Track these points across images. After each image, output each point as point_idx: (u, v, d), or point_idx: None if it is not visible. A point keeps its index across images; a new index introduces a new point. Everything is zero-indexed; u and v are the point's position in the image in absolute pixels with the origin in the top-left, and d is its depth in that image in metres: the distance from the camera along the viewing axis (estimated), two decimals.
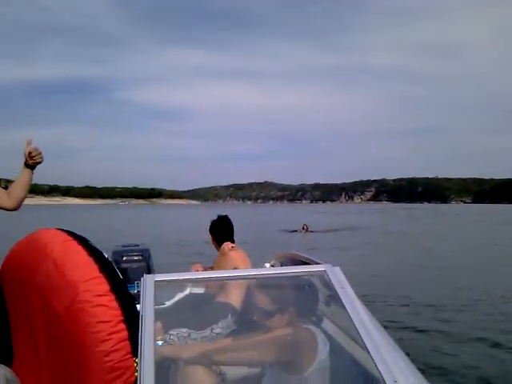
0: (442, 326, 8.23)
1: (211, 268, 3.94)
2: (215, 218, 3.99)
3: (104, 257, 2.46)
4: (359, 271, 13.27)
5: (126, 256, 3.82)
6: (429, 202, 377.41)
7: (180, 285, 3.11)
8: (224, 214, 4.05)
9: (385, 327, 1.84)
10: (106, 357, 2.16)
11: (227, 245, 3.79)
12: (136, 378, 2.23)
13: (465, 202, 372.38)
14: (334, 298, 1.80)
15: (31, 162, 2.94)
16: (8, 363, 2.56)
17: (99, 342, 2.16)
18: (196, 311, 3.18)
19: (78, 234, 2.57)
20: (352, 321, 1.53)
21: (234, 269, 3.49)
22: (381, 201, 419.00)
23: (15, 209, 3.01)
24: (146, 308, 1.63)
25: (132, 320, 2.25)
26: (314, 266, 2.09)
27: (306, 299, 2.12)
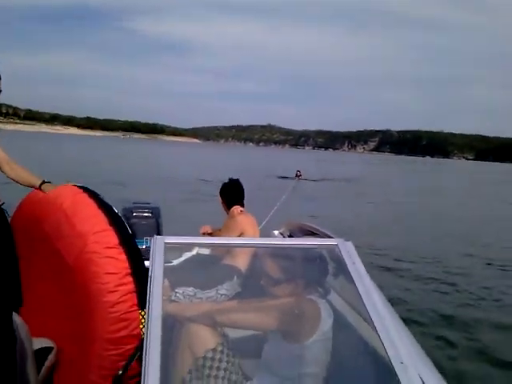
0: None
1: (219, 230, 3.96)
2: (226, 181, 3.96)
3: (114, 211, 2.48)
4: (340, 220, 13.62)
5: (136, 212, 3.86)
6: (432, 156, 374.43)
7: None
8: (235, 177, 4.02)
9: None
10: (111, 308, 2.22)
11: (236, 208, 3.80)
12: (141, 330, 2.28)
13: (467, 159, 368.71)
14: (343, 272, 1.79)
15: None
16: (16, 309, 2.61)
17: (106, 293, 2.21)
18: (202, 271, 3.22)
19: (89, 188, 2.58)
20: (361, 297, 1.53)
21: (242, 233, 3.54)
22: (383, 152, 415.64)
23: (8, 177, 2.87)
24: (156, 269, 1.63)
25: (139, 274, 2.30)
26: (326, 239, 2.08)
27: (314, 271, 2.10)
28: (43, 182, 2.68)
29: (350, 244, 1.78)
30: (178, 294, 2.71)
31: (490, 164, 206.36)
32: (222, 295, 3.09)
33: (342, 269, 1.82)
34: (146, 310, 2.25)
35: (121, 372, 2.15)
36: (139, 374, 2.20)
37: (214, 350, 2.12)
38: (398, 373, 1.28)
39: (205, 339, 2.14)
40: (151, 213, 3.91)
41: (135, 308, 2.27)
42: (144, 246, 3.50)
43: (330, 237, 2.18)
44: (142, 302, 2.26)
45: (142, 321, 2.28)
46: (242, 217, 3.70)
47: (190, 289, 2.94)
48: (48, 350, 2.36)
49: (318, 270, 2.09)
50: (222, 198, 3.94)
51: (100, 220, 2.34)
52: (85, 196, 2.46)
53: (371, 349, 1.68)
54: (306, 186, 26.32)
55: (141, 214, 3.86)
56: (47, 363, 2.32)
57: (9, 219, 2.81)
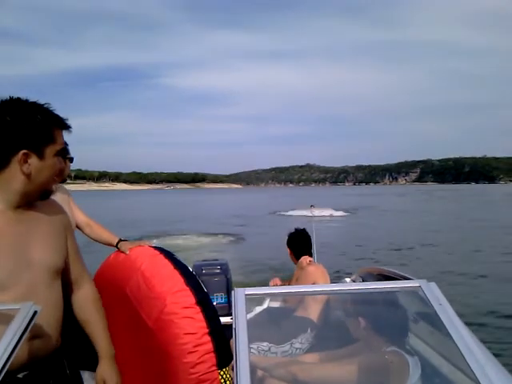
0: None
1: (289, 282, 3.93)
2: (293, 231, 3.97)
3: (189, 270, 2.52)
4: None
5: (206, 269, 3.93)
6: (476, 182, 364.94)
7: (259, 299, 3.15)
8: (302, 227, 4.03)
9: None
10: (192, 368, 2.20)
11: (305, 259, 3.77)
12: None
13: None
14: (429, 316, 1.69)
15: None
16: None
17: (186, 354, 2.21)
18: (275, 325, 3.19)
19: (164, 248, 2.65)
20: (454, 341, 1.41)
21: (313, 283, 3.46)
22: (426, 182, 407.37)
23: (88, 237, 2.97)
24: (239, 320, 1.62)
25: (217, 332, 2.30)
26: (407, 281, 1.99)
27: (396, 317, 2.02)
28: (120, 241, 2.75)
29: (433, 285, 1.70)
30: (252, 350, 2.65)
31: None
32: (296, 349, 3.02)
33: (427, 312, 1.72)
34: (225, 370, 2.26)
35: None
36: None
37: None
38: None
39: None
40: (220, 269, 3.95)
41: (214, 368, 2.25)
42: (215, 303, 3.51)
43: (409, 279, 2.10)
44: (221, 361, 2.26)
45: (222, 381, 2.27)
46: (312, 267, 3.66)
47: (265, 344, 2.90)
48: None
49: (400, 316, 2.01)
50: (289, 249, 3.92)
51: (177, 280, 2.37)
52: (161, 257, 2.51)
53: None
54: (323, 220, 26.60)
55: (211, 271, 3.91)
56: None
57: None
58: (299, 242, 3.88)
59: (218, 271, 3.92)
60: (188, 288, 2.33)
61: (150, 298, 2.34)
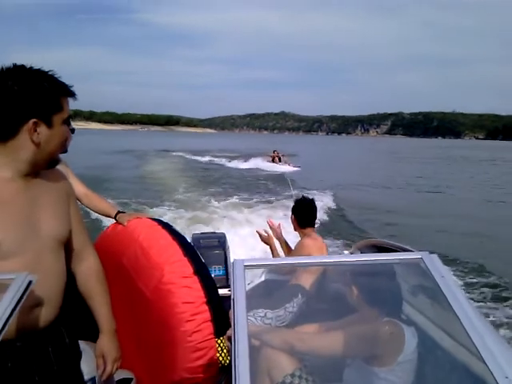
0: None
1: (287, 249, 3.88)
2: (300, 197, 3.85)
3: (187, 241, 2.53)
4: None
5: (204, 242, 3.95)
6: (443, 137, 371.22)
7: (255, 272, 3.28)
8: (310, 197, 3.88)
9: None
10: (189, 337, 2.24)
11: (307, 231, 3.68)
12: (218, 358, 2.29)
13: (477, 138, 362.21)
14: (430, 288, 1.67)
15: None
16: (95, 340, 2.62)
17: (184, 322, 2.24)
18: (269, 294, 3.27)
19: (162, 220, 2.66)
20: (455, 314, 1.42)
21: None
22: (396, 134, 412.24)
23: (86, 207, 2.87)
24: (237, 290, 1.62)
25: (214, 302, 2.33)
26: (408, 253, 1.99)
27: (394, 289, 2.02)
28: (118, 212, 2.70)
29: (435, 256, 1.69)
30: (248, 317, 2.67)
31: (495, 143, 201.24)
32: (290, 313, 3.11)
33: (428, 284, 1.71)
34: (221, 338, 2.29)
35: None
36: None
37: (292, 375, 2.10)
38: None
39: (283, 364, 2.12)
40: (218, 241, 3.97)
41: (212, 336, 2.29)
42: (213, 275, 3.52)
43: (409, 251, 2.10)
44: (218, 330, 2.30)
45: (219, 349, 2.31)
46: (309, 240, 3.61)
47: (260, 310, 2.96)
48: (128, 381, 2.42)
49: (398, 287, 2.02)
50: (294, 216, 3.78)
51: (175, 250, 2.37)
52: (159, 228, 2.51)
53: (466, 366, 1.61)
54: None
55: (208, 243, 3.93)
56: None
57: None
58: (305, 212, 3.75)
59: (216, 244, 3.94)
60: (186, 258, 2.35)
61: (148, 268, 2.35)
